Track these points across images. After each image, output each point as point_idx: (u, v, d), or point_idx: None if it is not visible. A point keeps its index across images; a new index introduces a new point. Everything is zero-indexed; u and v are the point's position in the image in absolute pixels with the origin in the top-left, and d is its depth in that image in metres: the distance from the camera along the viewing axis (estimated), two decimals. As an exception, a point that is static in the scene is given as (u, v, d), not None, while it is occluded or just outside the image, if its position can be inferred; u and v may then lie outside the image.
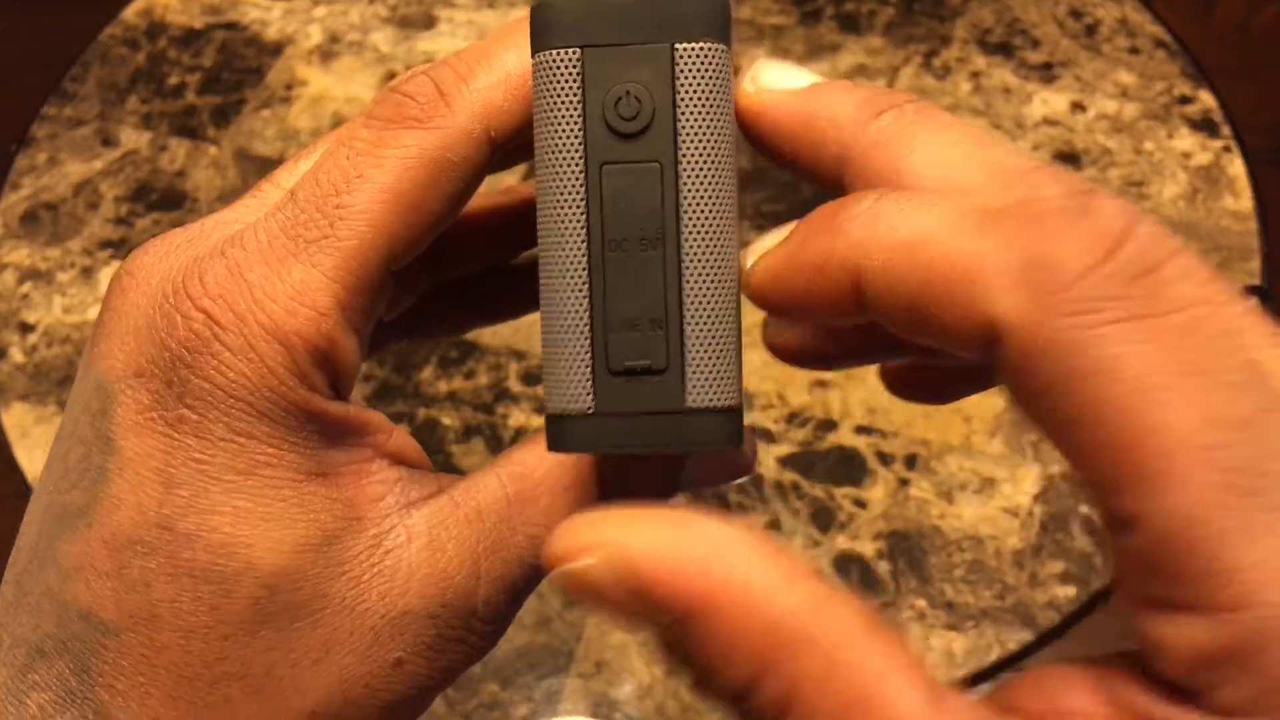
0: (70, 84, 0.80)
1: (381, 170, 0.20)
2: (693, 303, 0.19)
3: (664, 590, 0.16)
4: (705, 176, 0.19)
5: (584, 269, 0.19)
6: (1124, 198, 0.16)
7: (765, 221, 0.68)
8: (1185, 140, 0.71)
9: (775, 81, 0.20)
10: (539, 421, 0.62)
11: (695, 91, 0.19)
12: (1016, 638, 0.53)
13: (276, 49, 0.80)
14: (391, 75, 0.77)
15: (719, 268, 0.19)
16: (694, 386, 0.19)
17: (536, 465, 0.22)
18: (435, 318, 0.26)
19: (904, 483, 0.57)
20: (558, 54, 0.19)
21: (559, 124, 0.19)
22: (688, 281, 0.19)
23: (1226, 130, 0.71)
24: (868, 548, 0.55)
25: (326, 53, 0.79)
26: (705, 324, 0.19)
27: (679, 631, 0.16)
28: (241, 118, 0.76)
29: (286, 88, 0.78)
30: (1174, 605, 0.14)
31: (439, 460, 0.60)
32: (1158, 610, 0.15)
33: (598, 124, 0.19)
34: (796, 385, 0.61)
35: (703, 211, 0.19)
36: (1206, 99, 0.73)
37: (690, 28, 0.19)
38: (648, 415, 0.19)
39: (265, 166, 0.74)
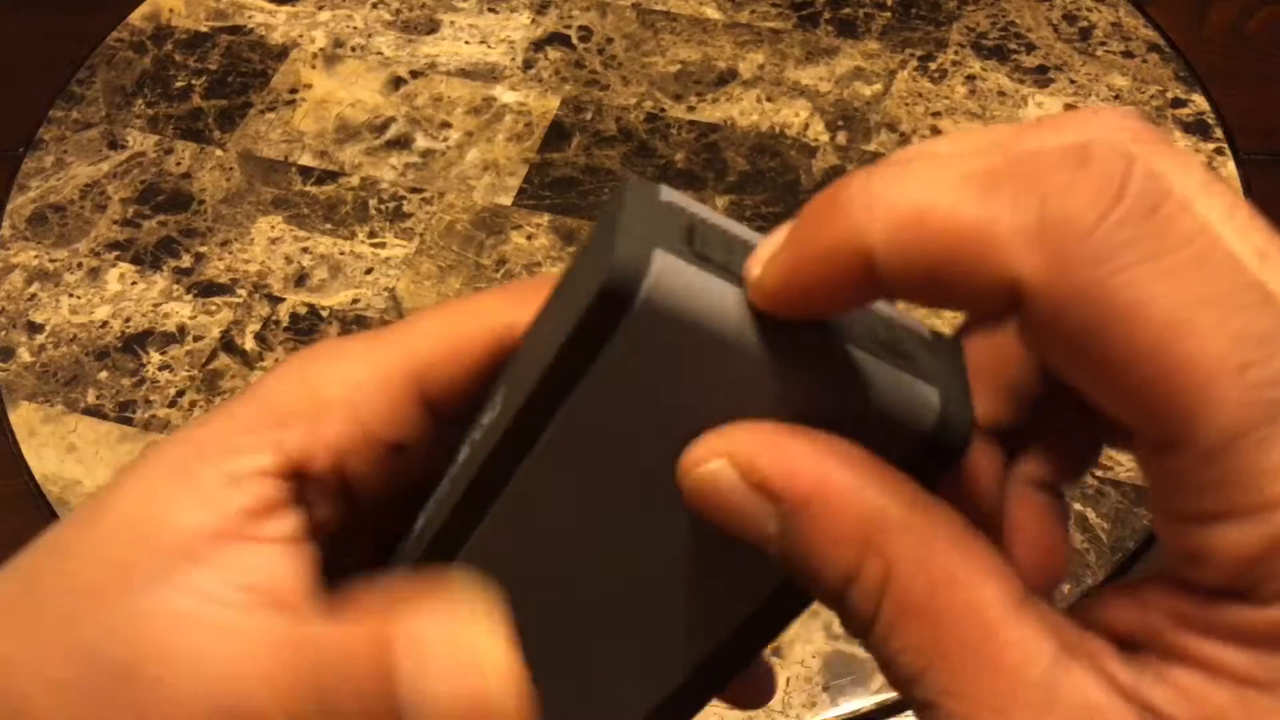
0: (77, 87, 0.80)
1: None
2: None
3: (780, 483, 0.18)
4: None
5: None
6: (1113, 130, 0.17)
7: (765, 224, 0.68)
8: (1179, 143, 0.72)
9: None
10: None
11: None
12: (1012, 632, 0.53)
13: (281, 53, 0.81)
14: (394, 79, 0.78)
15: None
16: None
17: None
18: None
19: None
20: None
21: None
22: None
23: (1219, 133, 0.72)
24: (865, 544, 0.56)
25: (330, 56, 0.80)
26: None
27: (790, 524, 0.18)
28: (247, 121, 0.77)
29: (291, 91, 0.78)
30: (1218, 514, 0.16)
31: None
32: (1201, 523, 0.16)
33: None
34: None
35: None
36: (1199, 102, 0.74)
37: None
38: None
39: (270, 169, 0.74)
